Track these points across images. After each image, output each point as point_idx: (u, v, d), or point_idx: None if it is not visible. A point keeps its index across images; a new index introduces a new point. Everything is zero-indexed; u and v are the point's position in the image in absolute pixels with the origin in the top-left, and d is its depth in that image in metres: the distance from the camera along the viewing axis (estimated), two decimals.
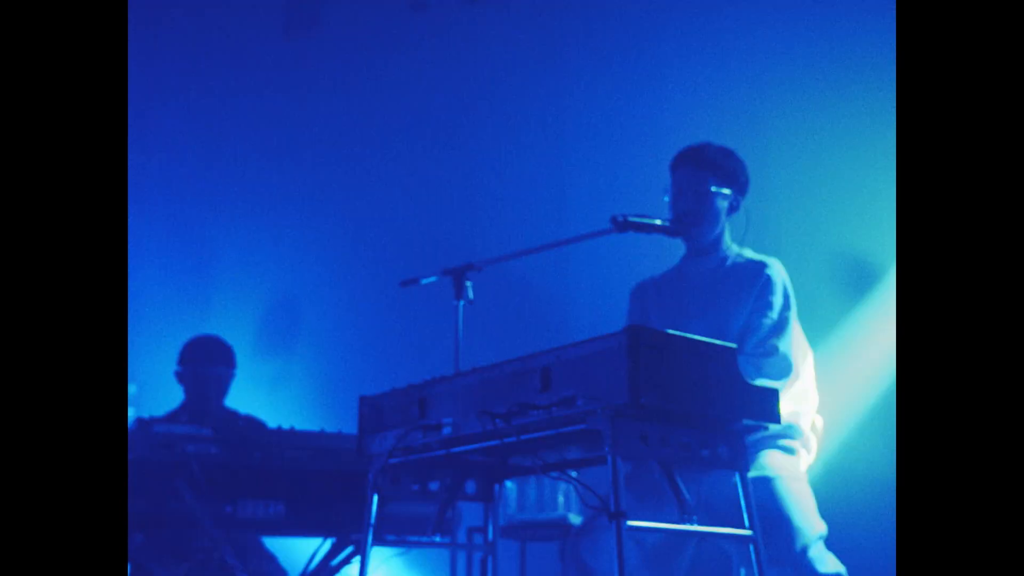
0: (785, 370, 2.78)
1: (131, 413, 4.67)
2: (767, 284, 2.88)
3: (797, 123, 4.43)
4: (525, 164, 5.39)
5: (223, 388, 4.61)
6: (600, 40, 5.21)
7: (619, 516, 2.04)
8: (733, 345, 2.24)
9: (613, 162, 5.04)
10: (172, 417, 4.45)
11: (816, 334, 3.23)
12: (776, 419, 2.26)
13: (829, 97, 4.35)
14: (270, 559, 4.33)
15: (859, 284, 4.11)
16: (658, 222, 2.97)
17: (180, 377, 4.63)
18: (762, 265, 2.92)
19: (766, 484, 2.67)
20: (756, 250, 3.06)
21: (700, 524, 2.32)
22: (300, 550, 4.14)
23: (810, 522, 2.66)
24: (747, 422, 2.25)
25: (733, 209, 3.02)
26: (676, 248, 3.15)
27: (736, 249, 3.03)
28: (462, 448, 2.46)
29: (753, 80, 4.63)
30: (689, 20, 4.90)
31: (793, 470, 2.79)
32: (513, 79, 5.50)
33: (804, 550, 2.59)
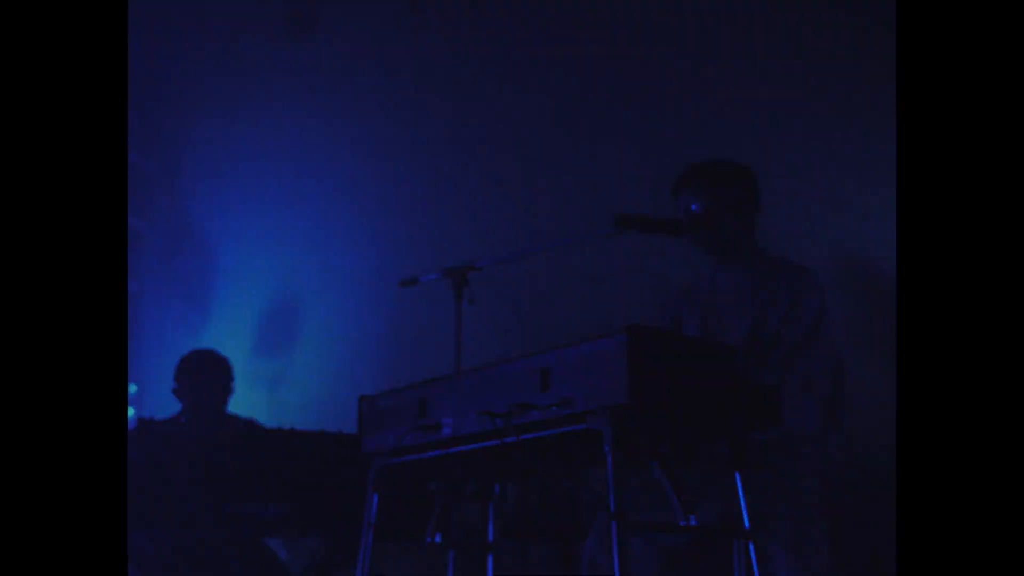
0: (812, 382, 2.74)
1: (131, 413, 4.66)
2: (800, 294, 2.83)
3: (797, 123, 4.43)
4: (525, 164, 5.39)
5: (222, 402, 4.57)
6: (602, 40, 5.21)
7: (619, 516, 2.04)
8: (734, 345, 2.24)
9: (614, 161, 5.04)
10: (172, 418, 4.44)
11: None
12: (778, 420, 2.25)
13: (829, 96, 4.35)
14: (270, 559, 4.33)
15: (859, 286, 4.11)
16: (659, 220, 2.97)
17: (178, 394, 4.52)
18: (798, 273, 2.87)
19: (793, 502, 2.65)
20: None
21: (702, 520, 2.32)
22: (300, 550, 4.14)
23: (823, 547, 2.64)
24: (750, 425, 2.25)
25: (746, 212, 3.00)
26: (678, 248, 3.14)
27: (769, 256, 3.00)
28: (462, 448, 2.46)
29: (753, 80, 4.63)
30: (691, 20, 4.91)
31: (820, 494, 2.76)
32: (513, 79, 5.50)
33: (797, 560, 2.58)
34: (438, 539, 2.70)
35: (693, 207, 2.95)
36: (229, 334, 6.02)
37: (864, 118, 4.16)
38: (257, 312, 6.30)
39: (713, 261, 3.02)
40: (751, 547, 2.29)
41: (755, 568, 2.27)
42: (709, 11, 4.83)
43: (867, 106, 4.15)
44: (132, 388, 5.91)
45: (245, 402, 4.82)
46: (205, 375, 4.50)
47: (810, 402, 2.72)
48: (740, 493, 2.29)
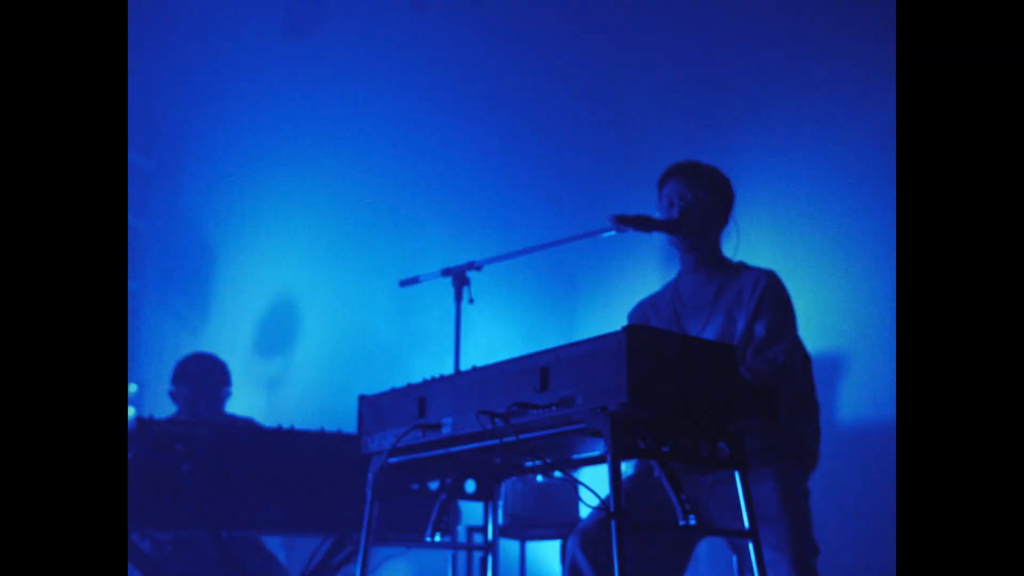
0: (787, 379, 2.76)
1: (131, 413, 4.65)
2: (764, 296, 2.85)
3: (795, 123, 4.43)
4: (525, 163, 5.39)
5: (220, 406, 4.56)
6: (602, 41, 5.22)
7: (619, 516, 2.04)
8: (732, 345, 2.24)
9: (613, 161, 5.04)
10: (172, 418, 4.44)
11: (814, 339, 3.22)
12: (776, 419, 2.25)
13: (827, 96, 4.35)
14: (270, 559, 4.33)
15: (857, 287, 4.11)
16: (657, 220, 2.97)
17: (174, 397, 4.54)
18: (759, 276, 2.90)
19: (773, 488, 2.67)
20: (752, 259, 3.04)
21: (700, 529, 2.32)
22: (300, 550, 4.15)
23: (808, 533, 2.65)
24: (749, 424, 2.25)
25: (723, 222, 3.02)
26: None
27: (732, 262, 3.02)
28: (461, 447, 2.46)
29: (752, 82, 4.63)
30: (690, 23, 4.91)
31: (799, 481, 2.78)
32: (513, 78, 5.50)
33: (800, 561, 2.59)
34: (438, 539, 2.70)
35: (682, 201, 2.95)
36: (229, 334, 6.03)
37: (863, 116, 4.16)
38: (257, 312, 6.30)
39: (688, 262, 3.02)
40: (751, 547, 2.29)
41: (754, 566, 2.27)
42: (710, 11, 4.84)
43: (865, 106, 4.15)
44: (132, 388, 5.91)
45: (245, 402, 4.81)
46: (202, 380, 4.49)
47: (785, 398, 2.72)
48: (740, 492, 2.28)
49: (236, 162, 6.50)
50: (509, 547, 4.30)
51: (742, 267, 2.98)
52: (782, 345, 2.78)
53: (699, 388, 2.14)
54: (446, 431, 2.41)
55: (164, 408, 4.57)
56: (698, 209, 2.95)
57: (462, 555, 4.24)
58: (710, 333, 2.89)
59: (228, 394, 4.59)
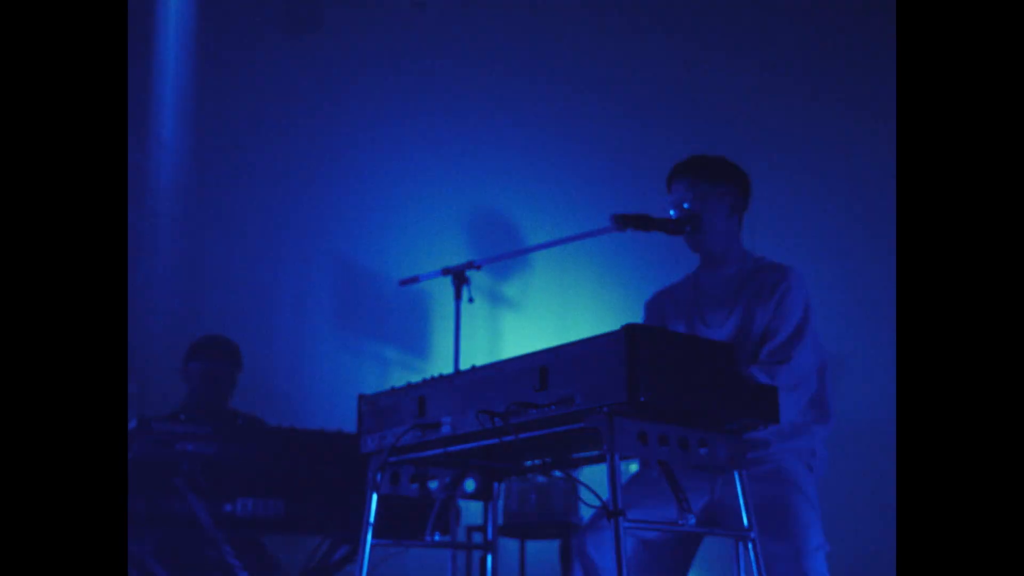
0: (801, 379, 2.75)
1: (131, 413, 4.65)
2: (787, 292, 2.82)
3: (796, 123, 4.44)
4: (525, 162, 5.39)
5: (230, 386, 4.56)
6: (605, 40, 5.22)
7: (618, 515, 2.05)
8: (731, 343, 2.24)
9: (615, 161, 5.05)
10: (172, 416, 4.44)
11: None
12: (776, 419, 2.25)
13: (827, 97, 4.36)
14: (270, 558, 4.33)
15: (857, 287, 4.11)
16: (656, 219, 2.97)
17: (186, 375, 4.53)
18: (782, 271, 2.88)
19: (782, 485, 2.67)
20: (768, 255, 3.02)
21: (708, 525, 2.32)
22: (300, 549, 4.15)
23: (817, 531, 2.66)
24: (749, 423, 2.25)
25: (733, 213, 3.00)
26: (678, 247, 3.14)
27: (753, 256, 3.00)
28: (461, 447, 2.46)
29: (756, 83, 4.64)
30: (693, 23, 4.91)
31: (809, 483, 2.78)
32: (513, 77, 5.51)
33: (808, 556, 2.59)
34: (438, 538, 2.70)
35: (686, 204, 2.94)
36: (229, 334, 6.01)
37: (863, 116, 4.17)
38: (256, 312, 6.29)
39: (700, 259, 3.02)
40: (751, 545, 2.29)
41: (754, 566, 2.27)
42: (714, 12, 4.84)
43: (865, 106, 4.16)
44: (132, 388, 5.90)
45: (246, 402, 4.81)
46: (215, 357, 4.49)
47: (797, 399, 2.72)
48: (739, 491, 2.29)
49: (235, 161, 6.49)
50: (509, 547, 4.30)
51: (764, 262, 2.96)
52: (796, 346, 2.76)
53: (698, 387, 2.14)
54: (446, 430, 2.41)
55: (164, 408, 4.57)
56: (699, 207, 2.93)
57: (462, 555, 4.24)
58: (732, 325, 2.87)
59: (237, 379, 4.59)
